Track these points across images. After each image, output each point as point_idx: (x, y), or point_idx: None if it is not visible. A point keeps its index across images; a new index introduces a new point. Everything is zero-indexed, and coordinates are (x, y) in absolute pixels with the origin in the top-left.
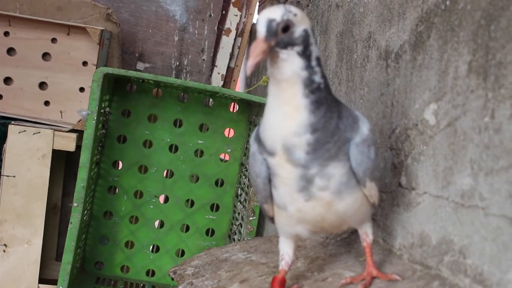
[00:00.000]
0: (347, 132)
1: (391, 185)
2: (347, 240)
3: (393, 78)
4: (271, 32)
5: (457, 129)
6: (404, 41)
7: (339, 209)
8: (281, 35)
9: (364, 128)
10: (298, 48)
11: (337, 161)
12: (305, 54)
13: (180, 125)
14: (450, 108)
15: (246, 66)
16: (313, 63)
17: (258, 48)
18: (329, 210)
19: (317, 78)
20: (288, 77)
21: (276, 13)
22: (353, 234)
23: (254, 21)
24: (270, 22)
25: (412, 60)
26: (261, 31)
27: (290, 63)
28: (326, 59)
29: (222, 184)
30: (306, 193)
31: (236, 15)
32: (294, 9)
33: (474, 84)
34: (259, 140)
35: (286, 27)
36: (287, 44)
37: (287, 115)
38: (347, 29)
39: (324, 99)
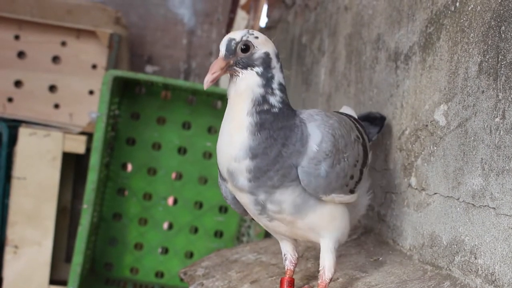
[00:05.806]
0: (292, 159)
1: (401, 186)
2: (357, 241)
3: (403, 79)
4: (230, 51)
5: (468, 129)
6: (414, 42)
7: (306, 225)
8: (240, 54)
9: (313, 145)
10: (258, 69)
11: (284, 188)
12: (265, 75)
13: (189, 128)
14: (460, 109)
15: (204, 81)
16: (274, 85)
17: (217, 65)
18: (295, 227)
19: (273, 100)
20: (242, 92)
21: (237, 34)
22: (363, 235)
23: (262, 24)
24: (230, 41)
25: (422, 61)
26: (222, 50)
27: (247, 80)
28: (334, 61)
29: None
30: (266, 215)
31: (244, 18)
32: (256, 33)
33: (484, 84)
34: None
35: (246, 47)
36: (247, 65)
37: (230, 134)
38: (355, 31)
39: (269, 124)
